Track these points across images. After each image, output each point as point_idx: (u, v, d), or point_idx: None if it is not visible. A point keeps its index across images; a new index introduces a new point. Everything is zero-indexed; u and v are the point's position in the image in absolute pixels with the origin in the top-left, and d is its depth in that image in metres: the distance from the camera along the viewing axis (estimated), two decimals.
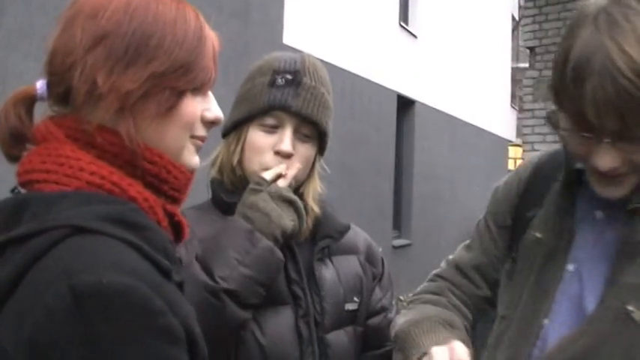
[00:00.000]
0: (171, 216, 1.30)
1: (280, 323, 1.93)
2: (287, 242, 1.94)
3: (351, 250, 2.16)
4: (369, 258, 2.21)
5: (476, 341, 1.88)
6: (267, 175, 1.92)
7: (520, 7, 19.42)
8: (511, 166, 26.04)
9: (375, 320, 2.17)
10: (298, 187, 2.01)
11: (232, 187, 2.01)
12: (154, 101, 1.24)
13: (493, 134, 22.17)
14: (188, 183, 1.34)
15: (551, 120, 1.61)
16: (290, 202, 1.90)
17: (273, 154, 1.96)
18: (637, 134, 1.41)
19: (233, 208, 1.95)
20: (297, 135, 1.98)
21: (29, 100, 1.28)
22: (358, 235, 2.24)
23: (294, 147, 1.96)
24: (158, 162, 1.26)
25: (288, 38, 10.70)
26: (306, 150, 2.00)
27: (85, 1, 1.26)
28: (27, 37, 6.01)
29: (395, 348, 1.84)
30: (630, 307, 1.51)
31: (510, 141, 24.40)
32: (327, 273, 2.05)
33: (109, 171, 1.20)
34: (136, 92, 1.21)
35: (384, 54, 14.38)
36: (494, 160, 21.75)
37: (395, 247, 14.78)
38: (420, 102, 16.39)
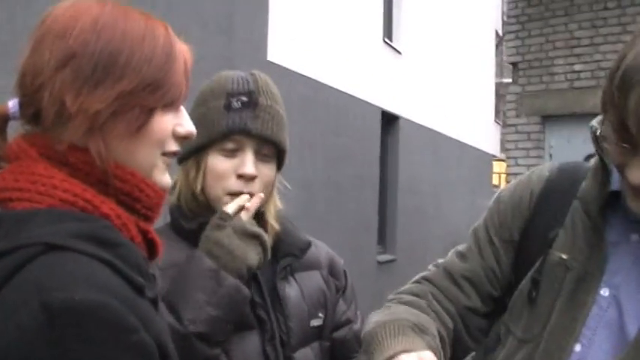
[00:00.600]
0: (144, 233, 1.30)
1: (247, 348, 1.91)
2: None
3: (313, 266, 2.15)
4: (332, 271, 2.20)
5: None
6: (230, 209, 1.88)
7: (503, 23, 19.53)
8: (495, 180, 26.13)
9: (340, 333, 2.16)
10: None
11: (191, 214, 1.98)
12: (124, 120, 1.23)
13: (477, 149, 22.22)
14: (160, 202, 1.34)
15: (593, 129, 1.60)
16: (254, 236, 1.88)
17: (236, 177, 1.93)
18: None
19: (192, 234, 1.94)
20: (258, 156, 1.96)
21: (2, 119, 1.28)
22: (320, 249, 2.22)
23: (256, 168, 1.94)
24: (130, 180, 1.26)
25: (273, 55, 10.70)
26: (268, 170, 1.99)
27: (53, 20, 1.25)
28: (10, 55, 5.97)
29: (361, 349, 1.79)
30: None
31: (494, 156, 24.50)
32: (291, 291, 2.04)
33: (82, 189, 1.20)
34: (104, 112, 1.20)
35: (369, 70, 14.41)
36: (479, 175, 21.81)
37: (380, 263, 14.76)
38: (404, 117, 16.42)
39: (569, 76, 10.13)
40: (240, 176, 1.93)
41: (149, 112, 1.26)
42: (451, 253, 1.97)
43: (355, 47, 13.82)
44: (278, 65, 10.76)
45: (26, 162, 1.22)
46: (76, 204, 1.18)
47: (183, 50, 1.35)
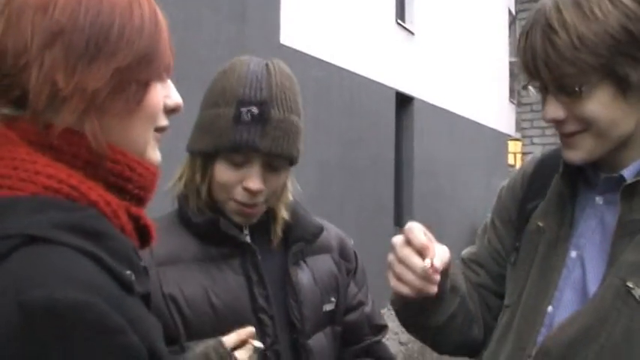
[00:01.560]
0: (136, 219, 1.21)
1: None
2: (254, 264, 1.92)
3: (324, 249, 2.13)
4: (343, 254, 2.18)
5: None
6: (229, 341, 1.76)
7: (516, 1, 19.41)
8: (511, 160, 26.03)
9: (352, 316, 2.14)
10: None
11: (197, 210, 1.95)
12: (122, 98, 1.15)
13: (492, 129, 22.13)
14: (154, 179, 1.25)
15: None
16: None
17: (242, 189, 1.89)
18: (570, 85, 1.53)
19: (198, 227, 1.92)
20: (267, 168, 1.90)
21: None
22: (330, 232, 2.18)
23: (264, 180, 1.89)
24: (121, 160, 1.17)
25: (285, 38, 10.69)
26: (277, 179, 1.94)
27: None
28: None
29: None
30: (630, 284, 1.52)
31: (510, 135, 24.37)
32: (304, 277, 2.01)
33: (67, 174, 1.11)
34: (102, 90, 1.12)
35: (382, 52, 14.37)
36: (494, 155, 21.73)
37: None
38: (418, 98, 16.37)
39: None
40: (245, 189, 1.89)
41: (145, 86, 1.19)
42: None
43: (368, 29, 13.78)
44: (291, 49, 10.74)
45: (6, 147, 1.12)
46: (60, 191, 1.09)
47: (162, 16, 1.25)
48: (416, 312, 1.77)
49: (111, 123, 1.16)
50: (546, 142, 10.29)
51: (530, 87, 1.70)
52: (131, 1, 1.18)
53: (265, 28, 10.30)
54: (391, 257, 1.62)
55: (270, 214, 2.00)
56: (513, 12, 23.85)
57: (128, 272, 1.08)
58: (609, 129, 1.57)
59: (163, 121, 1.27)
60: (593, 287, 1.61)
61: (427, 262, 1.55)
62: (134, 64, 1.15)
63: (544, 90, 1.62)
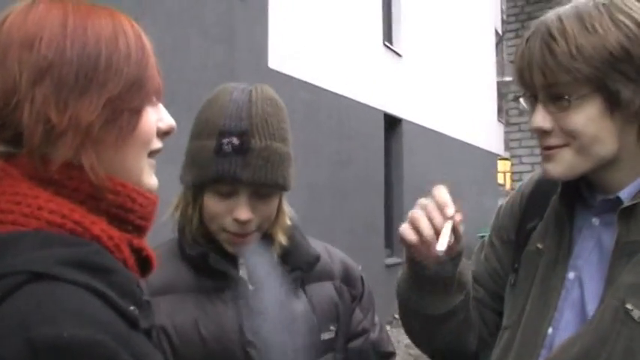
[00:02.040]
0: (138, 252, 1.20)
1: None
2: (245, 297, 1.92)
3: (325, 277, 2.10)
4: (347, 280, 2.14)
5: None
6: None
7: (503, 21, 19.53)
8: (501, 179, 26.09)
9: (356, 343, 2.11)
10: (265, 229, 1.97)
11: (192, 240, 1.95)
12: (115, 128, 1.14)
13: (481, 149, 22.20)
14: (154, 207, 1.25)
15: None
16: None
17: (232, 219, 1.89)
18: (560, 94, 1.56)
19: (193, 259, 1.93)
20: (255, 196, 1.89)
21: None
22: (333, 257, 2.17)
23: (253, 208, 1.89)
24: (121, 191, 1.17)
25: (274, 62, 10.72)
26: (267, 207, 1.93)
27: (11, 29, 1.13)
28: None
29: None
30: (629, 306, 1.52)
31: (499, 155, 24.47)
32: (299, 306, 1.99)
33: (70, 209, 1.10)
34: (96, 123, 1.11)
35: (370, 74, 14.41)
36: (484, 175, 21.78)
37: (388, 266, 14.73)
38: (406, 120, 16.40)
39: None
40: (235, 219, 1.88)
41: (137, 114, 1.18)
42: None
43: (356, 51, 13.83)
44: (279, 72, 10.77)
45: (7, 181, 1.11)
46: (64, 226, 1.08)
47: (146, 39, 1.25)
48: (421, 294, 1.78)
49: (107, 154, 1.15)
50: (535, 161, 10.32)
51: (520, 100, 1.71)
52: (115, 29, 1.18)
53: (253, 52, 10.32)
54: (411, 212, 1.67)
55: (268, 240, 1.99)
56: (500, 32, 24.00)
57: (132, 307, 1.06)
58: (591, 145, 1.58)
59: (157, 145, 1.26)
60: (591, 308, 1.62)
61: (451, 211, 1.65)
62: (124, 92, 1.15)
63: (534, 100, 1.64)
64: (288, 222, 2.02)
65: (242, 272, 1.95)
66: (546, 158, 1.65)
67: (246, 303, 1.91)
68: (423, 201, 1.71)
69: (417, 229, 1.64)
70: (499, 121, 25.19)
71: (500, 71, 26.44)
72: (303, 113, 10.90)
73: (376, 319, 2.21)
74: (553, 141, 1.61)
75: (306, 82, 11.66)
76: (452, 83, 19.56)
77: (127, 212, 1.18)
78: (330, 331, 2.03)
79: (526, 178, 1.98)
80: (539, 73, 1.58)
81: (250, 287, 1.93)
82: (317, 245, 2.14)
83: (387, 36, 15.95)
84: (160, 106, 1.28)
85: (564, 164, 1.62)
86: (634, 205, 1.58)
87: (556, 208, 1.75)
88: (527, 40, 1.63)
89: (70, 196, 1.12)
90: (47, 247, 1.03)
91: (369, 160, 14.36)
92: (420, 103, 17.08)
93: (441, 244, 1.60)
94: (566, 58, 1.53)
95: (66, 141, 1.10)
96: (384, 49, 15.50)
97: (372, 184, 14.56)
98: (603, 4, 1.56)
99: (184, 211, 1.95)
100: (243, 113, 1.87)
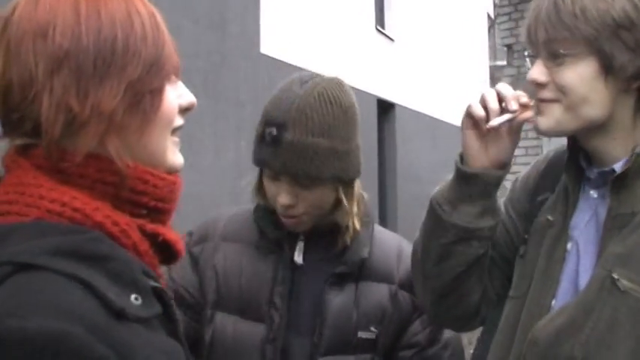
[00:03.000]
0: (153, 237, 1.16)
1: (248, 339, 1.99)
2: (285, 265, 2.01)
3: (384, 278, 2.08)
4: (410, 287, 2.06)
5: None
6: None
7: (495, 5, 19.47)
8: None
9: (405, 353, 2.08)
10: (325, 219, 2.02)
11: (263, 209, 2.09)
12: (139, 111, 1.12)
13: None
14: (174, 188, 1.21)
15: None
16: None
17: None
18: (558, 49, 1.61)
19: (264, 239, 2.07)
20: (297, 184, 1.93)
21: None
22: (402, 260, 2.12)
23: (296, 195, 1.93)
24: (131, 174, 1.13)
25: (266, 48, 10.70)
26: (312, 194, 1.95)
27: (21, 19, 1.10)
28: None
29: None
30: (615, 275, 1.54)
31: None
32: (339, 298, 2.00)
33: (72, 196, 1.07)
34: (119, 108, 1.09)
35: (362, 59, 14.40)
36: None
37: None
38: (400, 105, 16.42)
39: None
40: (277, 201, 1.97)
41: (159, 95, 1.16)
42: None
43: (348, 36, 13.81)
44: (272, 58, 10.75)
45: (16, 172, 1.10)
46: (63, 214, 1.06)
47: (160, 16, 1.22)
48: (459, 199, 1.81)
49: (131, 138, 1.13)
50: (528, 144, 10.33)
51: (526, 59, 1.79)
52: (129, 10, 1.14)
53: (245, 38, 10.30)
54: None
55: (340, 230, 2.04)
56: (492, 16, 23.95)
57: (133, 296, 1.03)
58: (580, 104, 1.62)
59: (179, 122, 1.24)
60: (584, 279, 1.64)
61: (516, 106, 1.69)
62: (144, 74, 1.13)
63: (536, 54, 1.69)
64: (356, 209, 2.06)
65: (297, 249, 2.04)
66: (539, 111, 1.69)
67: (284, 272, 2.02)
68: (499, 86, 1.75)
69: (485, 104, 1.71)
70: None
71: (493, 55, 26.41)
72: None
73: (443, 336, 2.14)
74: (545, 94, 1.66)
75: (298, 68, 11.61)
76: (444, 67, 19.57)
77: (138, 195, 1.14)
78: (370, 331, 2.02)
79: (542, 155, 2.02)
80: (542, 28, 1.63)
81: (299, 262, 2.03)
82: (392, 242, 2.18)
83: (380, 20, 15.93)
84: (179, 82, 1.25)
85: (552, 119, 1.66)
86: (626, 177, 1.60)
87: (564, 181, 1.78)
88: (541, 0, 1.67)
89: (76, 182, 1.09)
90: (41, 236, 1.01)
91: (363, 145, 14.28)
92: (413, 88, 17.09)
93: (495, 120, 1.68)
94: (569, 16, 1.58)
95: (89, 130, 1.08)
96: (376, 33, 15.50)
97: (366, 170, 14.38)
98: None
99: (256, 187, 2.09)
100: (287, 105, 1.91)
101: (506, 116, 1.68)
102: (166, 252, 1.20)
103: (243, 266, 2.05)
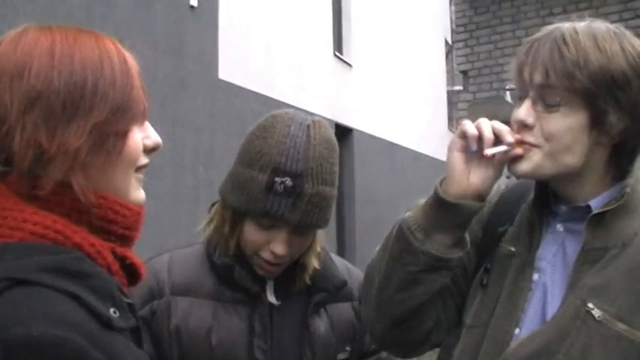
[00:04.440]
0: (122, 260, 1.26)
1: None
2: (262, 316, 1.93)
3: (346, 298, 2.11)
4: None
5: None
6: None
7: (452, 31, 19.70)
8: None
9: None
10: (297, 257, 1.99)
11: (222, 251, 1.96)
12: (102, 151, 1.20)
13: (432, 157, 22.36)
14: (138, 219, 1.30)
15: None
16: None
17: (269, 250, 1.89)
18: (554, 97, 1.63)
19: (218, 269, 1.95)
20: (295, 234, 1.89)
21: None
22: (353, 277, 2.17)
23: (290, 244, 1.89)
24: (103, 204, 1.22)
25: (224, 73, 10.70)
26: (304, 241, 1.95)
27: (1, 59, 1.19)
28: None
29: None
30: (590, 305, 1.59)
31: None
32: (321, 326, 2.01)
33: (53, 220, 1.16)
34: (83, 147, 1.16)
35: (321, 84, 14.46)
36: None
37: None
38: (357, 130, 16.48)
39: None
40: (271, 251, 1.89)
41: (124, 136, 1.23)
42: None
43: (306, 62, 13.87)
44: (229, 83, 10.75)
45: None
46: (46, 236, 1.15)
47: (132, 61, 1.31)
48: (432, 226, 1.76)
49: (95, 174, 1.21)
50: None
51: (507, 92, 1.82)
52: (101, 56, 1.23)
53: (203, 63, 10.30)
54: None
55: (298, 264, 2.00)
56: (450, 42, 24.20)
57: (112, 309, 1.13)
58: (561, 153, 1.65)
59: (143, 161, 1.32)
60: (552, 309, 1.68)
61: (511, 139, 1.66)
62: (110, 116, 1.20)
63: (523, 96, 1.70)
64: (319, 248, 2.04)
65: (268, 290, 1.97)
66: (516, 156, 1.70)
67: (262, 323, 1.92)
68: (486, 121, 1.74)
69: (480, 132, 1.69)
70: (450, 129, 25.39)
71: (451, 80, 26.65)
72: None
73: None
74: (529, 138, 1.67)
75: (256, 93, 11.66)
76: (403, 93, 19.69)
77: (109, 223, 1.24)
78: (345, 351, 2.05)
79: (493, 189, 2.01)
80: (541, 71, 1.64)
81: (276, 302, 1.95)
82: (339, 264, 2.17)
83: (338, 46, 16.02)
84: (147, 124, 1.33)
85: (531, 164, 1.67)
86: (604, 215, 1.65)
87: (527, 214, 1.81)
88: (537, 40, 1.68)
89: (53, 209, 1.18)
90: (28, 255, 1.11)
91: None
92: (371, 113, 17.17)
93: (493, 149, 1.66)
94: (573, 65, 1.60)
95: (56, 165, 1.16)
96: (334, 59, 15.57)
97: None
98: (615, 32, 1.65)
99: (219, 226, 1.96)
100: (300, 155, 1.87)
101: (503, 147, 1.66)
102: (130, 275, 1.29)
103: (210, 324, 1.91)
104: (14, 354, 0.98)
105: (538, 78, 1.64)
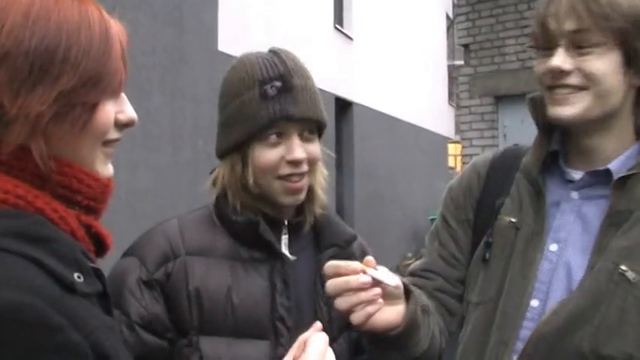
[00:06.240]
0: (87, 227, 1.23)
1: (249, 359, 1.86)
2: (283, 273, 1.92)
3: (349, 258, 2.04)
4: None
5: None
6: None
7: (454, 5, 19.63)
8: (451, 162, 26.23)
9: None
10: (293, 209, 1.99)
11: (241, 207, 1.94)
12: (66, 121, 1.16)
13: (432, 132, 22.35)
14: (106, 191, 1.27)
15: (528, 98, 1.84)
16: None
17: (286, 163, 1.90)
18: (588, 40, 1.66)
19: (237, 226, 1.93)
20: (302, 138, 1.93)
21: None
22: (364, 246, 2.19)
23: (303, 147, 1.91)
24: (68, 172, 1.19)
25: (223, 45, 10.65)
26: (314, 147, 1.96)
27: None
28: None
29: None
30: (623, 267, 1.62)
31: (449, 138, 24.63)
32: None
33: (14, 184, 1.14)
34: (46, 114, 1.13)
35: (321, 57, 14.40)
36: (435, 158, 21.93)
37: None
38: (357, 103, 16.45)
39: (520, 56, 10.22)
40: (290, 162, 1.90)
41: (92, 109, 1.19)
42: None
43: (307, 34, 13.80)
44: (229, 55, 10.70)
45: None
46: (7, 201, 1.12)
47: (118, 32, 1.26)
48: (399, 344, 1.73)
49: (59, 144, 1.18)
50: (485, 143, 10.42)
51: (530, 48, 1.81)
52: (81, 21, 1.18)
53: (202, 34, 10.25)
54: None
55: (309, 197, 2.01)
56: (451, 16, 24.12)
57: (76, 274, 1.11)
58: (608, 94, 1.69)
59: (113, 135, 1.28)
60: (578, 275, 1.69)
61: (363, 278, 1.59)
62: (79, 86, 1.16)
63: (553, 45, 1.71)
64: (325, 171, 2.05)
65: (283, 246, 1.97)
66: (559, 101, 1.72)
67: (283, 280, 1.92)
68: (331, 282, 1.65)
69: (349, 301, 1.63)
70: (450, 104, 25.38)
71: (451, 55, 26.59)
72: None
73: None
74: (573, 80, 1.69)
75: None
76: (403, 66, 19.64)
77: (73, 193, 1.21)
78: None
79: (479, 159, 2.05)
80: (572, 17, 1.66)
81: (292, 258, 1.95)
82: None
83: (338, 19, 15.95)
84: (123, 97, 1.29)
85: (580, 107, 1.70)
86: (629, 177, 1.68)
87: (528, 184, 1.83)
88: None
89: (17, 174, 1.15)
90: None
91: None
92: (371, 87, 17.13)
93: (391, 279, 1.61)
94: (608, 6, 1.64)
95: (16, 128, 1.12)
96: (334, 32, 15.51)
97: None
98: None
99: (229, 178, 1.95)
100: (276, 61, 1.96)
101: (385, 274, 1.62)
102: (97, 245, 1.27)
103: (230, 283, 1.89)
104: None
105: (570, 25, 1.67)
